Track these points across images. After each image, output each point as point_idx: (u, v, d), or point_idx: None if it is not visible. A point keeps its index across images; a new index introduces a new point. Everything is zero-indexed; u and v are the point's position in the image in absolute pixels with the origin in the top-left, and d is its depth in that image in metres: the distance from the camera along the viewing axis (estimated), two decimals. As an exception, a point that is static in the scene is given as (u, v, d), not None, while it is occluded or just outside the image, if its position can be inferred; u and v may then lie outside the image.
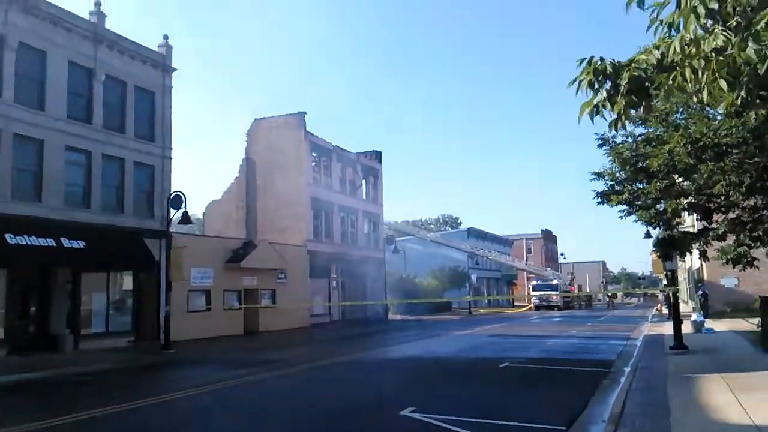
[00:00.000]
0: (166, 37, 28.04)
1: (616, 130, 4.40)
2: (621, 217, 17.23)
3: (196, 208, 68.20)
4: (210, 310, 29.98)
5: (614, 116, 4.30)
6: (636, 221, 17.13)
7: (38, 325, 22.91)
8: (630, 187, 16.48)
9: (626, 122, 4.31)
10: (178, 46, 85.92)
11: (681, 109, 14.69)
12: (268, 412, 10.93)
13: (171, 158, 27.66)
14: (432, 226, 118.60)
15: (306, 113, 38.20)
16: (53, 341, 22.59)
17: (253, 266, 31.81)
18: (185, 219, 23.22)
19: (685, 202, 15.87)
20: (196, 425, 9.94)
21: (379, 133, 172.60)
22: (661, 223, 16.69)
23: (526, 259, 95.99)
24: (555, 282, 69.24)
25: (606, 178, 17.00)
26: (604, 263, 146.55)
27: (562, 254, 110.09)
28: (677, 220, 16.45)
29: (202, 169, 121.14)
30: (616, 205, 16.64)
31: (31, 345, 21.66)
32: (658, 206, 16.42)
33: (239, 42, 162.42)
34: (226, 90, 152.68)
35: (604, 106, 4.33)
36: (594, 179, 17.19)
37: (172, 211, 24.06)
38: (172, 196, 23.91)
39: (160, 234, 25.35)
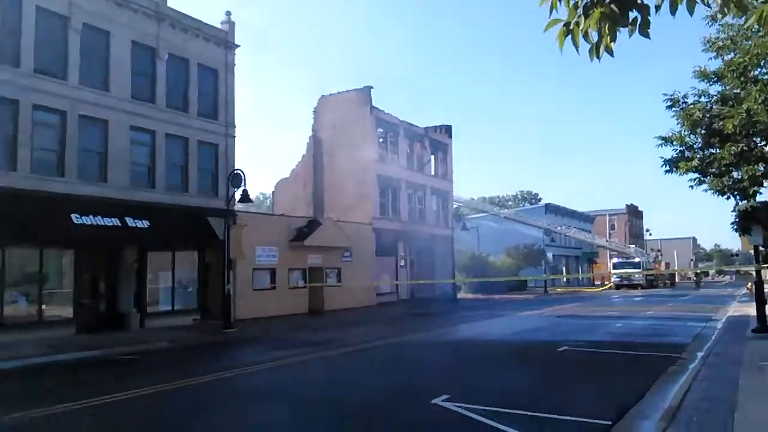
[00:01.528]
0: (228, 13, 28.08)
1: (598, 58, 3.27)
2: (691, 187, 15.59)
3: (266, 187, 69.59)
4: (275, 289, 30.18)
5: (593, 40, 3.24)
6: (706, 191, 15.41)
7: (107, 304, 23.68)
8: (701, 153, 14.82)
9: (612, 46, 3.17)
10: (241, 23, 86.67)
11: (763, 62, 12.88)
12: (294, 397, 10.60)
13: (234, 136, 27.80)
14: (510, 202, 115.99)
15: (372, 88, 37.59)
16: (121, 320, 23.31)
17: (318, 244, 31.74)
18: (244, 197, 23.22)
19: (760, 168, 14.03)
20: (216, 409, 9.65)
21: (452, 108, 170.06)
22: (736, 193, 14.96)
23: (609, 236, 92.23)
24: (637, 259, 66.00)
25: (674, 143, 15.34)
26: (694, 239, 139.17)
27: (647, 230, 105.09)
28: (755, 189, 14.64)
29: (271, 148, 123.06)
30: (684, 173, 14.98)
31: (101, 324, 22.41)
32: (733, 174, 14.71)
33: (305, 17, 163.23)
34: (294, 66, 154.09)
35: (577, 23, 3.17)
36: (661, 145, 15.57)
37: (235, 190, 24.15)
38: (231, 175, 24.00)
39: (223, 213, 25.59)
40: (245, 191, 23.15)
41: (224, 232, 23.82)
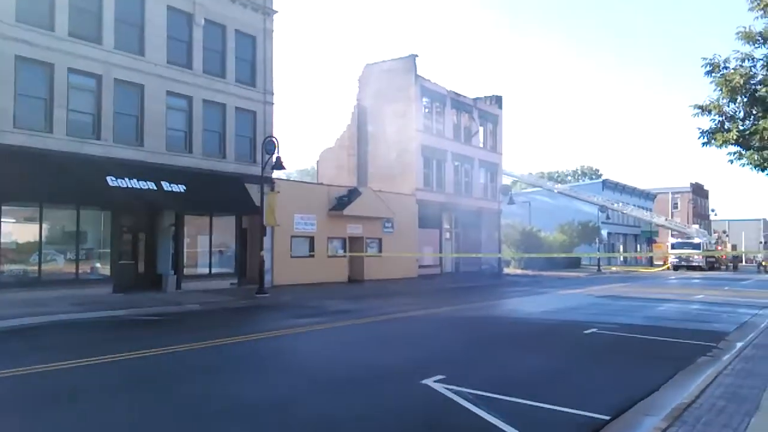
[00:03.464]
0: (267, -21, 27.64)
1: None
2: (731, 161, 14.09)
3: (309, 156, 69.63)
4: (313, 257, 30.11)
5: None
6: (744, 165, 13.88)
7: (146, 265, 24.11)
8: (741, 124, 13.33)
9: None
10: None
11: None
12: (283, 367, 10.36)
13: (272, 103, 27.55)
14: (569, 177, 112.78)
15: (417, 56, 36.54)
16: (159, 281, 23.70)
17: (358, 214, 31.42)
18: (278, 164, 23.00)
19: None
20: (193, 376, 9.42)
21: (513, 81, 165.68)
22: None
23: (671, 215, 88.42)
24: (697, 240, 62.94)
25: (712, 112, 13.87)
26: (765, 221, 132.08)
27: (713, 210, 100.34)
28: None
29: (316, 117, 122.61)
30: (721, 145, 13.55)
31: (138, 284, 22.86)
32: None
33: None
34: (339, 33, 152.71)
35: None
36: (698, 114, 14.12)
37: (269, 156, 23.95)
38: (265, 141, 23.78)
39: (261, 179, 25.50)
40: (278, 158, 22.90)
41: (260, 199, 23.74)
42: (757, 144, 13.20)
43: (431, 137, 38.12)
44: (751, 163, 13.73)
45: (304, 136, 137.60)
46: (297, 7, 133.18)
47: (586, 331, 14.43)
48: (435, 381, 8.71)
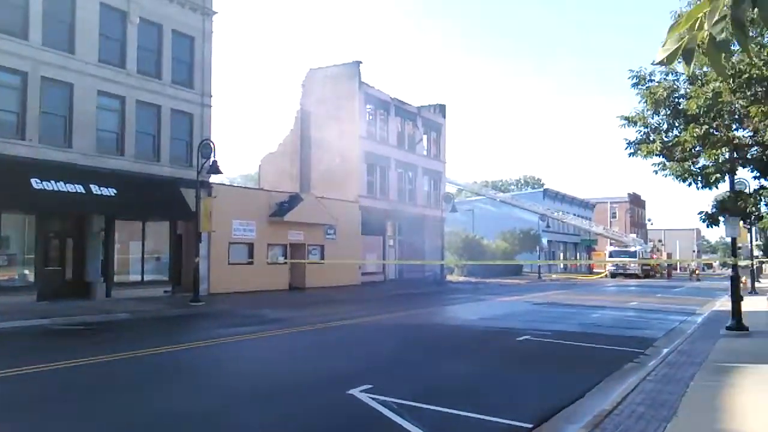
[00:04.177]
0: (206, -21, 27.05)
1: None
2: (655, 172, 14.50)
3: (252, 160, 68.61)
4: (252, 264, 29.52)
5: None
6: (666, 176, 14.26)
7: (74, 272, 23.10)
8: (665, 135, 13.72)
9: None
10: None
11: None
12: (205, 378, 10.00)
13: (210, 106, 26.94)
14: (512, 187, 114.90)
15: (361, 62, 36.55)
16: (87, 288, 22.73)
17: (299, 220, 31.02)
18: (213, 168, 22.45)
19: (724, 153, 12.87)
20: (116, 388, 8.95)
21: (455, 90, 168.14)
22: (699, 180, 13.85)
23: (610, 224, 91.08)
24: (633, 249, 64.99)
25: (638, 123, 14.21)
26: (698, 231, 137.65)
27: (649, 220, 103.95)
28: (717, 176, 13.50)
29: (259, 121, 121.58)
30: (646, 156, 13.91)
31: (65, 291, 21.85)
32: (700, 159, 13.60)
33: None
34: (283, 37, 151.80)
35: None
36: (624, 125, 14.41)
37: (206, 160, 23.33)
38: (201, 145, 23.19)
39: (197, 183, 24.82)
40: (215, 162, 22.37)
41: (195, 204, 23.10)
42: (678, 155, 13.57)
43: (375, 144, 38.07)
44: (673, 174, 14.09)
45: (248, 141, 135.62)
46: (239, 9, 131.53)
47: (519, 338, 14.49)
48: (361, 391, 8.48)
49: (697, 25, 2.15)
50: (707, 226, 14.80)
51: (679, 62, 2.28)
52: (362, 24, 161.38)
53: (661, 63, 2.26)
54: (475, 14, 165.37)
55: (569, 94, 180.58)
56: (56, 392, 8.68)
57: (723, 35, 2.08)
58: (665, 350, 13.01)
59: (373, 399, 8.07)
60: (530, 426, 7.21)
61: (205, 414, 7.55)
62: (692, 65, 2.26)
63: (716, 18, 2.09)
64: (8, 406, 7.93)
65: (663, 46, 2.23)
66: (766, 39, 10.64)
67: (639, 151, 13.92)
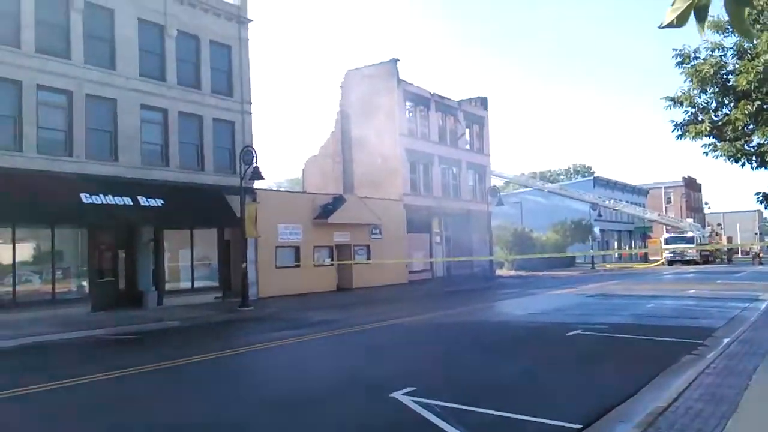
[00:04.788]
0: (240, -13, 27.28)
1: None
2: (706, 154, 13.71)
3: (296, 164, 69.13)
4: (299, 267, 29.66)
5: None
6: (717, 157, 13.43)
7: (127, 282, 23.64)
8: (713, 115, 12.94)
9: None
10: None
11: None
12: (255, 384, 9.94)
13: (250, 113, 27.17)
14: (562, 176, 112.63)
15: (398, 60, 36.24)
16: (140, 298, 23.22)
17: (343, 222, 31.00)
18: (256, 174, 22.62)
19: None
20: (163, 396, 9.00)
21: (496, 82, 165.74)
22: (754, 159, 13.01)
23: (665, 210, 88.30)
24: (690, 234, 62.70)
25: (684, 104, 13.46)
26: (760, 213, 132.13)
27: (706, 203, 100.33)
28: None
29: (301, 124, 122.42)
30: (695, 137, 13.15)
31: (118, 302, 22.37)
32: (754, 138, 12.78)
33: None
34: (319, 40, 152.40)
35: None
36: (670, 106, 13.65)
37: (248, 167, 23.53)
38: (242, 152, 23.38)
39: (241, 190, 25.08)
40: (257, 168, 22.53)
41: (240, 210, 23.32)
42: (730, 135, 12.81)
43: (416, 141, 37.78)
44: (724, 155, 13.31)
45: (291, 145, 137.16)
46: (274, 15, 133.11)
47: (569, 333, 14.04)
48: (404, 394, 8.30)
49: None
50: (765, 208, 13.94)
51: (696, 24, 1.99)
52: (400, 21, 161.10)
53: (669, 25, 1.97)
54: (513, 10, 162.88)
55: (615, 80, 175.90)
56: (93, 402, 8.77)
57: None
58: (725, 340, 12.40)
59: (415, 402, 7.87)
60: (579, 426, 6.90)
61: (233, 424, 7.48)
62: (705, 27, 1.97)
63: None
64: (59, 416, 8.04)
65: (672, 5, 1.96)
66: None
67: (687, 133, 13.20)
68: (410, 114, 38.09)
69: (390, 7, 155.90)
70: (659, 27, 2.01)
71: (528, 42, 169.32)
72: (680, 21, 1.96)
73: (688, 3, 1.91)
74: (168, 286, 24.05)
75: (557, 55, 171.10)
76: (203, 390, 9.52)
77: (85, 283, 21.72)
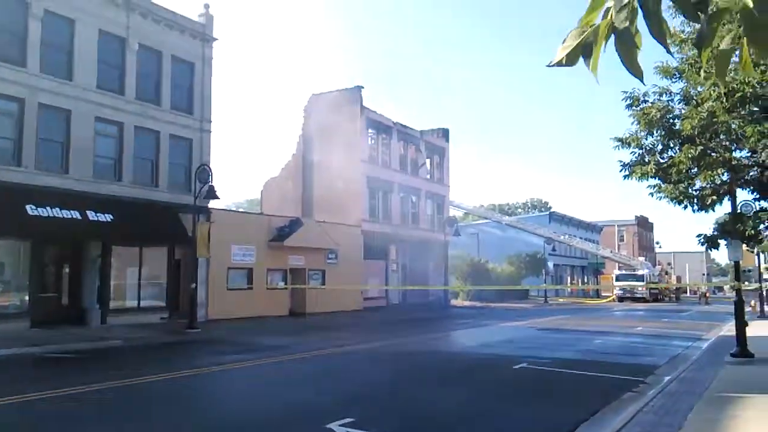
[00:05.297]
0: (206, 6, 27.16)
1: None
2: (651, 194, 14.14)
3: (256, 185, 68.75)
4: (251, 289, 29.21)
5: None
6: (661, 199, 13.87)
7: (71, 298, 22.87)
8: (659, 157, 13.37)
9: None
10: (222, 18, 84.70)
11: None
12: (192, 410, 9.65)
13: (210, 132, 26.90)
14: (519, 210, 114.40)
15: (362, 87, 36.59)
16: (82, 315, 22.48)
17: (299, 245, 30.74)
18: (211, 194, 22.31)
19: (721, 174, 12.49)
20: (97, 417, 8.63)
21: (464, 114, 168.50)
22: (695, 202, 13.46)
23: (618, 248, 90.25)
24: (641, 272, 64.17)
25: (631, 145, 13.87)
26: (708, 254, 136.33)
27: (658, 243, 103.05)
28: (713, 198, 13.09)
29: (263, 146, 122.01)
30: (640, 178, 13.57)
31: (59, 318, 21.58)
32: (696, 181, 13.22)
33: (294, 13, 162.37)
34: (284, 62, 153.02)
35: None
36: (618, 146, 14.11)
37: (203, 186, 23.19)
38: (198, 170, 23.06)
39: (195, 209, 24.68)
40: (211, 187, 22.25)
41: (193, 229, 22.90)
42: (674, 177, 13.23)
43: (377, 168, 37.93)
44: (668, 196, 13.73)
45: (252, 165, 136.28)
46: (240, 36, 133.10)
47: (515, 366, 14.07)
48: (341, 425, 8.12)
49: (602, 14, 1.89)
50: (707, 249, 14.36)
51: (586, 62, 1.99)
52: (364, 49, 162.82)
53: (559, 64, 1.98)
54: (479, 36, 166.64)
55: (577, 116, 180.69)
56: (26, 422, 8.36)
57: (625, 24, 1.81)
58: (666, 378, 12.59)
59: (353, 433, 7.72)
60: (515, 463, 6.84)
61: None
62: (597, 66, 1.98)
63: (623, 2, 1.82)
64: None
65: (563, 43, 1.97)
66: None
67: (633, 173, 13.58)
68: (372, 141, 38.30)
69: (355, 35, 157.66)
70: (547, 66, 2.02)
71: (489, 79, 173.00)
72: (570, 59, 1.97)
73: (578, 41, 1.93)
74: (113, 304, 23.37)
75: (518, 92, 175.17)
76: (123, 414, 9.09)
77: (26, 298, 20.91)
